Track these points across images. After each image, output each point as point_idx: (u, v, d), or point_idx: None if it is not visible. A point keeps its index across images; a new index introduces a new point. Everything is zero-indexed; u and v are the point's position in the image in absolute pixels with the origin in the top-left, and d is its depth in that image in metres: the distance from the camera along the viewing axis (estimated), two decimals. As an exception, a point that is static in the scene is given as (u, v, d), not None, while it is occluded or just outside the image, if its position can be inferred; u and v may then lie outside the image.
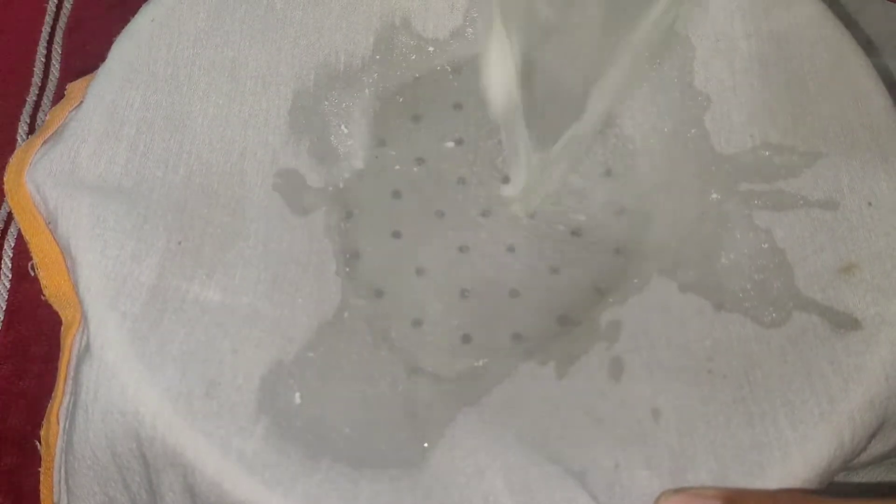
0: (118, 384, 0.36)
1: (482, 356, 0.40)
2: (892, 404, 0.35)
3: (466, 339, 0.41)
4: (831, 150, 0.41)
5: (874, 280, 0.37)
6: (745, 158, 0.43)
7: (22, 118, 0.50)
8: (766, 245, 0.40)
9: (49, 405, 0.40)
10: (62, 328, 0.40)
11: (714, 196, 0.42)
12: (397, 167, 0.46)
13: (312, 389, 0.37)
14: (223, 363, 0.36)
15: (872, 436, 0.35)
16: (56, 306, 0.40)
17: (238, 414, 0.35)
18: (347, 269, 0.42)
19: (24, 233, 0.40)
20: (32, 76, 0.51)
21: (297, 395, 0.37)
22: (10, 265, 0.46)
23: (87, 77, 0.43)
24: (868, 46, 0.46)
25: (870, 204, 0.39)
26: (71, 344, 0.39)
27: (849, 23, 0.46)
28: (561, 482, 0.34)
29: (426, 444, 0.35)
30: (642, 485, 0.34)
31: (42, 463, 0.40)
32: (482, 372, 0.39)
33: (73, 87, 0.43)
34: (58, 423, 0.38)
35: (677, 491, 0.33)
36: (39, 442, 0.40)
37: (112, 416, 0.36)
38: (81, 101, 0.41)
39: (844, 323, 0.36)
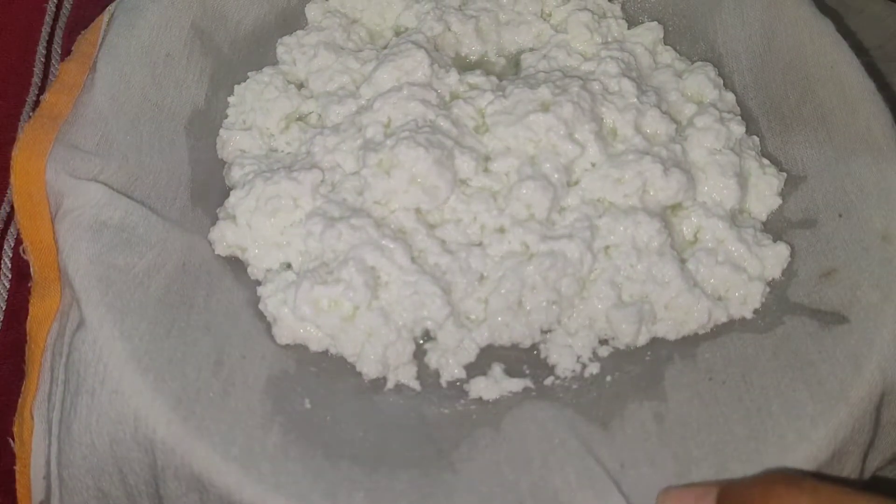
0: (128, 383, 0.35)
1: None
2: (887, 379, 0.37)
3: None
4: (809, 172, 0.45)
5: (853, 278, 0.40)
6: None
7: (22, 118, 0.48)
8: None
9: (20, 401, 0.38)
10: (29, 320, 0.38)
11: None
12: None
13: (320, 397, 0.37)
14: (234, 367, 0.37)
15: (875, 415, 0.37)
16: (37, 295, 0.39)
17: (255, 412, 0.36)
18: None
19: (18, 211, 0.39)
20: (32, 76, 0.51)
21: (307, 400, 0.37)
22: (9, 265, 0.45)
23: (77, 58, 0.43)
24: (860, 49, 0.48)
25: (840, 216, 0.42)
26: (46, 335, 0.38)
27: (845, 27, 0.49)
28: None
29: (442, 448, 0.36)
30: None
31: (17, 461, 0.38)
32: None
33: (67, 70, 0.42)
34: (31, 419, 0.37)
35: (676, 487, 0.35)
36: (12, 440, 0.38)
37: (119, 396, 0.35)
38: (92, 87, 0.41)
39: (831, 319, 0.39)
